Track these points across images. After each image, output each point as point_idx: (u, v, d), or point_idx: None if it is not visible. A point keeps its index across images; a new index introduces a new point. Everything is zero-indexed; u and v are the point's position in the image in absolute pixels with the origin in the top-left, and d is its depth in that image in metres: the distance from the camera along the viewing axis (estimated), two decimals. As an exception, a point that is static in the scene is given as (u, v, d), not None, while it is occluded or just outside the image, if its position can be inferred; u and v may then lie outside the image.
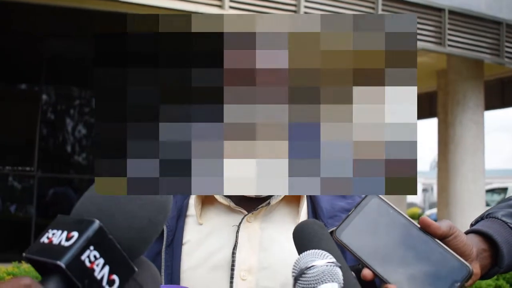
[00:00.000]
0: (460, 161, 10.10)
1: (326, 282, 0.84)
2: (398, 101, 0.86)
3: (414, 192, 0.86)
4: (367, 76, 0.86)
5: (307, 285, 0.85)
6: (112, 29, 0.87)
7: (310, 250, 0.89)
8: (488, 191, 16.50)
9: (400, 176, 0.87)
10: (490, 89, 12.57)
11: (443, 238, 1.02)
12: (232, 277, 1.28)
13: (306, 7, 8.05)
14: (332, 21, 0.86)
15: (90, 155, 10.58)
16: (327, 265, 0.86)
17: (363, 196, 1.05)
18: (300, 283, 0.86)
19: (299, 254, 0.92)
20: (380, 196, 1.04)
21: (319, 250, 0.89)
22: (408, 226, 1.02)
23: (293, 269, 0.88)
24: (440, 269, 0.98)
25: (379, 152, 0.86)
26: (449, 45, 9.33)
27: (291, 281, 1.27)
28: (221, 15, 0.86)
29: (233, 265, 1.29)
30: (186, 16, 0.86)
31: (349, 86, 0.86)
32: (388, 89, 0.86)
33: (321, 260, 0.86)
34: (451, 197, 10.15)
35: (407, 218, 1.03)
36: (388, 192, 0.87)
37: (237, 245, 1.31)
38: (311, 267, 0.85)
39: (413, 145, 0.86)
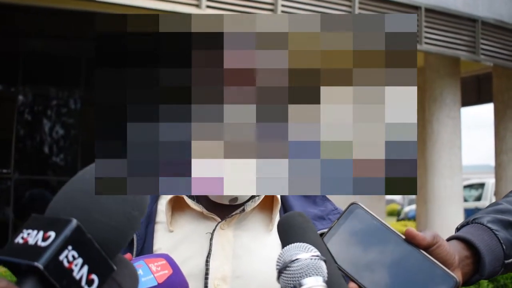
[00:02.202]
0: (437, 158, 10.20)
1: (310, 276, 0.84)
2: (398, 101, 0.87)
3: (414, 192, 0.86)
4: (367, 76, 0.86)
5: (291, 278, 0.84)
6: (111, 29, 0.87)
7: (295, 243, 0.88)
8: (465, 186, 16.69)
9: (400, 176, 0.87)
10: (467, 85, 12.72)
11: (427, 248, 1.01)
12: (206, 286, 1.26)
13: (283, 5, 8.06)
14: (332, 21, 0.87)
15: (67, 156, 10.49)
16: (311, 259, 0.85)
17: (345, 205, 1.04)
18: (284, 276, 0.85)
19: (283, 247, 0.91)
20: (362, 205, 1.04)
21: (304, 243, 0.88)
22: (392, 238, 1.02)
23: (277, 262, 0.87)
24: (427, 281, 0.98)
25: (379, 152, 0.87)
26: (426, 43, 9.41)
27: None
28: (221, 15, 0.86)
29: (207, 273, 1.26)
30: (186, 16, 0.86)
31: (349, 86, 0.86)
32: (388, 89, 0.86)
33: (305, 253, 0.86)
34: (429, 193, 10.25)
35: (391, 229, 1.02)
36: (388, 192, 0.87)
37: (211, 253, 1.28)
38: (295, 260, 0.85)
39: (413, 145, 0.87)
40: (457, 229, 1.17)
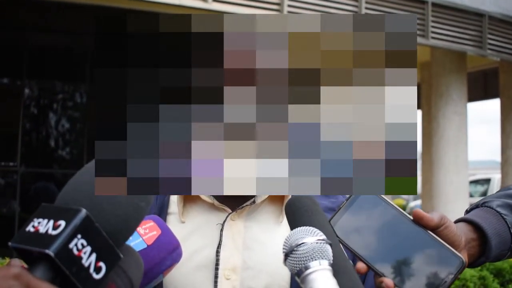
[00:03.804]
0: (443, 153, 10.18)
1: (316, 259, 0.85)
2: (398, 101, 0.86)
3: (414, 192, 0.87)
4: (367, 76, 0.86)
5: (297, 262, 0.86)
6: (111, 28, 0.87)
7: (301, 227, 0.90)
8: (471, 182, 16.65)
9: (400, 176, 0.87)
10: (473, 81, 12.68)
11: (435, 229, 1.03)
12: (216, 276, 1.27)
13: (289, 6, 8.04)
14: (332, 21, 0.86)
15: (73, 150, 10.52)
16: (317, 242, 0.86)
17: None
18: (290, 260, 0.87)
19: (291, 229, 0.93)
20: None
21: (310, 227, 0.90)
22: (401, 219, 1.03)
23: (284, 245, 0.89)
24: (434, 261, 1.00)
25: (379, 152, 0.87)
26: (433, 38, 9.39)
27: (275, 281, 1.28)
28: (221, 15, 0.86)
29: (217, 264, 1.27)
30: (186, 16, 0.86)
31: (349, 86, 0.86)
32: (388, 89, 0.86)
33: (311, 237, 0.87)
34: (434, 188, 10.24)
35: (399, 210, 1.04)
36: (388, 192, 0.87)
37: (221, 243, 1.29)
38: (301, 244, 0.86)
39: (413, 145, 0.87)
40: (467, 212, 1.18)
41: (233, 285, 1.27)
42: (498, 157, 12.43)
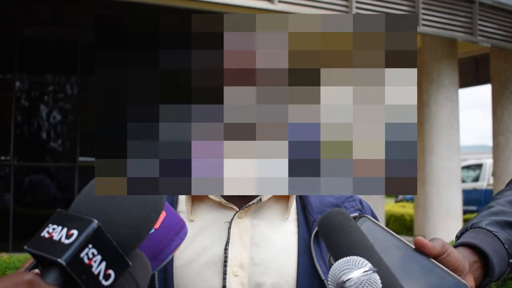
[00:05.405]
0: (435, 140, 10.22)
1: None
2: (398, 101, 0.87)
3: (414, 192, 0.87)
4: (367, 76, 0.86)
5: None
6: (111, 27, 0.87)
7: (344, 259, 0.86)
8: (463, 167, 16.71)
9: (400, 176, 0.87)
10: (464, 67, 12.71)
11: (437, 257, 1.01)
12: (225, 273, 1.29)
13: (280, 1, 8.02)
14: (332, 21, 0.86)
15: (66, 142, 10.49)
16: (363, 275, 0.84)
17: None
18: None
19: (329, 253, 0.91)
20: (370, 217, 1.04)
21: (353, 258, 0.86)
22: (402, 248, 1.02)
23: (329, 281, 0.86)
24: None
25: (379, 152, 0.87)
26: (423, 25, 9.39)
27: (282, 277, 1.29)
28: (221, 15, 0.86)
29: (225, 261, 1.30)
30: (186, 15, 0.86)
31: (349, 86, 0.86)
32: (388, 89, 0.87)
33: (356, 270, 0.84)
34: (427, 175, 10.29)
35: (400, 239, 1.02)
36: (388, 192, 0.87)
37: (229, 241, 1.31)
38: (348, 281, 0.84)
39: (413, 145, 0.87)
40: (457, 237, 1.19)
41: (241, 281, 1.29)
42: (489, 142, 12.50)
